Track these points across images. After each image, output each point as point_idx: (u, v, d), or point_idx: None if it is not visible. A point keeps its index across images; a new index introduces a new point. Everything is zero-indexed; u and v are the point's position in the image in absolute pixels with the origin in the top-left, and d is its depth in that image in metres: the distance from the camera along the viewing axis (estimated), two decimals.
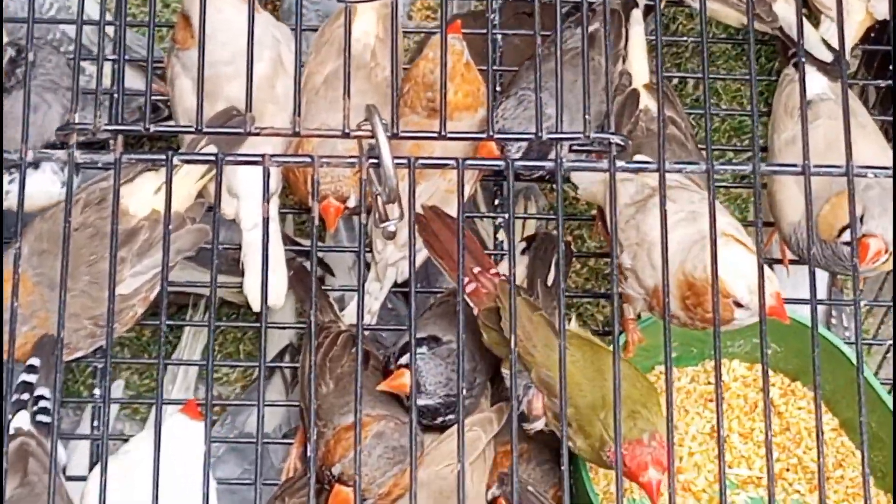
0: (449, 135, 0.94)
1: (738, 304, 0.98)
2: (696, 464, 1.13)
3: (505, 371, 1.05)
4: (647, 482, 0.93)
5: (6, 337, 0.86)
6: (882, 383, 1.17)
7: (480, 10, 1.36)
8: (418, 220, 1.06)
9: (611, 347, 0.99)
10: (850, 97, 1.04)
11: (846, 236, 1.06)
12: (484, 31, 1.18)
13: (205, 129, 0.97)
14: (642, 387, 1.02)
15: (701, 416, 1.15)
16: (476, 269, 1.06)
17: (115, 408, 1.27)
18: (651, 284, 1.03)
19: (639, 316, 1.12)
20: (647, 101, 1.16)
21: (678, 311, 1.01)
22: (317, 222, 0.99)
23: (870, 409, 1.04)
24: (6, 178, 1.16)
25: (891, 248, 1.06)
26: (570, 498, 0.94)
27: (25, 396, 1.05)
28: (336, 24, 1.15)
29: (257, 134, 0.96)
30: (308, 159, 0.97)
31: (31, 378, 1.08)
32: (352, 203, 1.11)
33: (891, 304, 1.26)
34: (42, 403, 1.07)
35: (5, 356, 0.87)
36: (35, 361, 1.07)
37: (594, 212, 1.23)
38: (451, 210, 1.11)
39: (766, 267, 0.93)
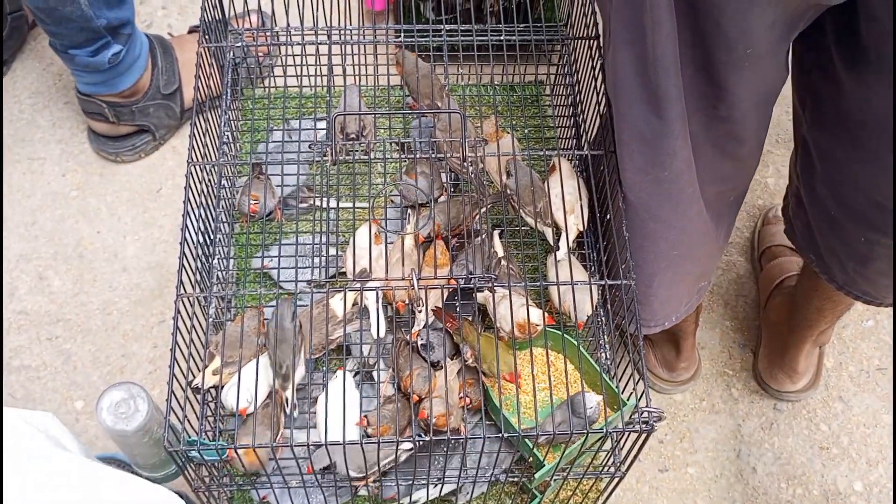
0: (438, 277, 1.41)
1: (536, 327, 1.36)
2: (526, 381, 1.46)
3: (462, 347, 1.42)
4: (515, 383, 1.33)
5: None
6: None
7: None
8: (433, 310, 1.45)
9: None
10: (573, 258, 1.46)
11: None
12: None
13: (356, 278, 1.41)
14: (506, 352, 1.37)
15: (527, 365, 1.48)
16: (450, 321, 1.43)
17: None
18: (507, 329, 1.36)
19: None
20: (504, 262, 1.48)
21: (518, 333, 1.36)
22: (398, 309, 1.43)
23: (584, 362, 1.46)
24: None
25: (582, 317, 1.42)
26: (484, 396, 1.39)
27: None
28: (398, 241, 1.47)
29: (372, 279, 1.41)
30: (389, 288, 1.38)
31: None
32: (406, 302, 1.43)
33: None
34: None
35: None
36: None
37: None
38: (438, 302, 1.49)
39: (544, 315, 1.36)
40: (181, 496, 1.52)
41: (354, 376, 1.51)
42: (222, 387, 1.42)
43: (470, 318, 1.46)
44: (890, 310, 1.92)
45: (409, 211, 1.53)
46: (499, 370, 1.30)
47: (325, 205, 1.53)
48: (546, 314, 1.39)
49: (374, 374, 1.50)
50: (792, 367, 1.78)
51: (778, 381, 1.81)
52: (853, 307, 1.94)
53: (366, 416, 1.34)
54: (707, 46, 1.10)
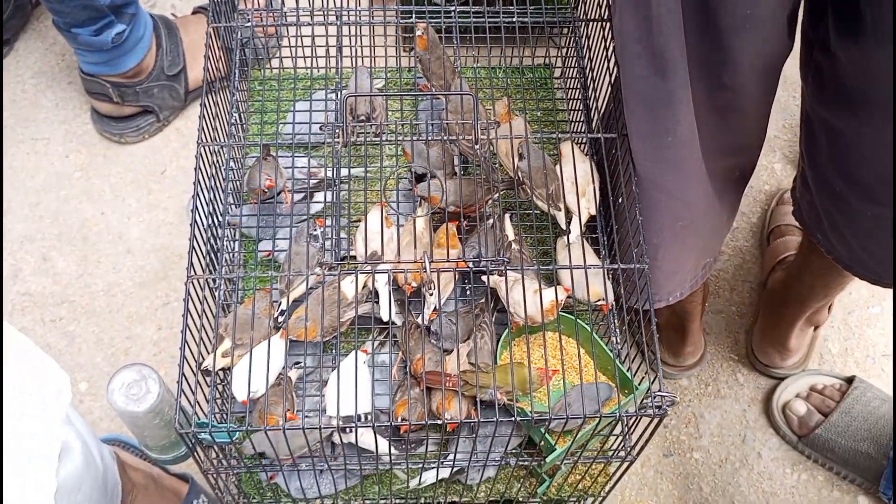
0: (450, 259, 1.39)
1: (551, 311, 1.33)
2: (538, 366, 1.34)
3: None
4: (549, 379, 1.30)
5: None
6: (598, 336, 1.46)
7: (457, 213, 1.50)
8: (427, 374, 1.37)
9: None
10: (584, 241, 1.43)
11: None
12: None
13: (367, 261, 1.39)
14: (522, 367, 1.32)
15: (539, 348, 1.46)
16: (450, 381, 1.34)
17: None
18: (522, 314, 1.35)
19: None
20: (514, 245, 1.46)
21: (536, 318, 1.34)
22: (406, 292, 1.41)
23: (596, 346, 1.44)
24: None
25: (608, 300, 1.39)
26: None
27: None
28: (409, 226, 1.45)
29: (383, 262, 1.38)
30: (401, 271, 1.36)
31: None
32: (415, 286, 1.40)
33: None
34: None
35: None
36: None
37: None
38: (450, 284, 1.47)
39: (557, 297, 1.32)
40: (185, 479, 1.53)
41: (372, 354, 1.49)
42: (231, 369, 1.40)
43: (467, 364, 1.41)
44: None
45: (419, 184, 1.51)
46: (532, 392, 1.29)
47: (335, 185, 1.51)
48: (561, 287, 1.38)
49: (388, 354, 1.51)
50: (783, 343, 1.77)
51: (768, 356, 1.80)
52: (858, 292, 1.94)
53: (405, 419, 1.33)
54: (709, 8, 1.12)
